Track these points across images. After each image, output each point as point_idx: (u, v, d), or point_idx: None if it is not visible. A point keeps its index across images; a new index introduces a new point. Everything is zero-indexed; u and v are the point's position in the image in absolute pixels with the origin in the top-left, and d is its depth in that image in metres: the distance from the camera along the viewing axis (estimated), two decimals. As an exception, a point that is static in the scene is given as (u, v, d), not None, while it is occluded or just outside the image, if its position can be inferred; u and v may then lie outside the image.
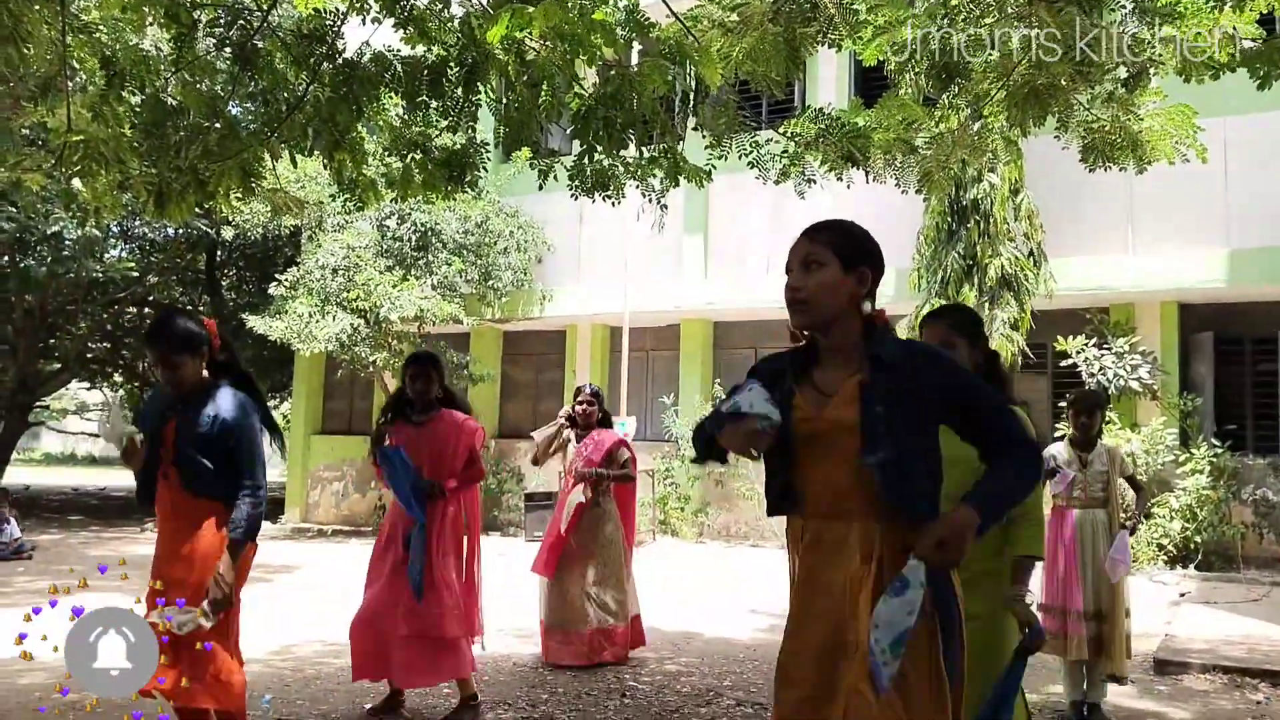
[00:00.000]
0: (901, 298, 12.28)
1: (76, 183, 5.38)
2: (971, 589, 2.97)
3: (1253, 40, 4.50)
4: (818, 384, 2.39)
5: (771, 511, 2.47)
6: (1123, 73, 5.09)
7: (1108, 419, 11.57)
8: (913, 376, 2.30)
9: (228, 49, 5.19)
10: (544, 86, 4.79)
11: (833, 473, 2.32)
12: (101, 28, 5.48)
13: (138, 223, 18.80)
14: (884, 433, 2.24)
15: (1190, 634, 7.27)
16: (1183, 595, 9.39)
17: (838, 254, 2.37)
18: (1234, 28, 4.36)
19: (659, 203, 5.90)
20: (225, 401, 3.65)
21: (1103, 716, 5.16)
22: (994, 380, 3.22)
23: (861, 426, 2.26)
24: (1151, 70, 5.04)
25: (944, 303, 11.44)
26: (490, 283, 14.83)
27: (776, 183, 5.95)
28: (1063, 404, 6.06)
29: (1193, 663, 6.31)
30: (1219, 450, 11.32)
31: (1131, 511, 5.58)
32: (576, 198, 5.80)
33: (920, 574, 2.17)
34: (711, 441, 2.43)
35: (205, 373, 3.70)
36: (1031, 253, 11.69)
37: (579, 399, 6.58)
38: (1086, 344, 11.85)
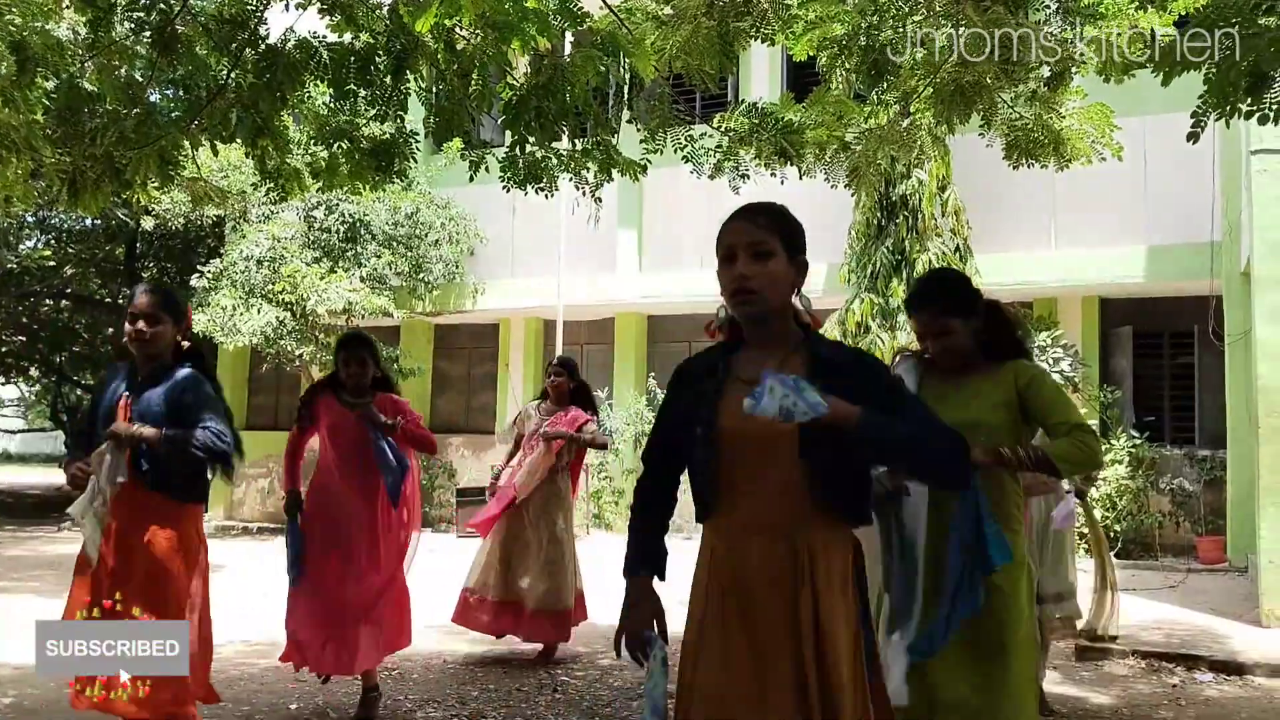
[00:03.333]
0: (832, 292, 12.41)
1: (-14, 170, 5.17)
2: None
3: (1165, 40, 4.62)
4: (744, 376, 2.27)
5: (701, 517, 2.38)
6: (1046, 71, 5.19)
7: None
8: (850, 377, 2.23)
9: (146, 33, 5.02)
10: (475, 76, 4.72)
11: (763, 474, 2.24)
12: (14, 9, 5.27)
13: (55, 213, 18.21)
14: (822, 434, 2.14)
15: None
16: (1103, 582, 9.63)
17: (783, 241, 2.26)
18: (1151, 29, 4.46)
19: (593, 196, 5.86)
20: (188, 376, 3.56)
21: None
22: (1000, 341, 3.18)
23: (801, 427, 2.13)
24: (1073, 69, 5.14)
25: (872, 298, 11.56)
26: (421, 275, 14.63)
27: (711, 177, 5.94)
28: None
29: (1113, 648, 6.48)
30: (1138, 441, 11.65)
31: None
32: (509, 190, 5.73)
33: (784, 379, 2.08)
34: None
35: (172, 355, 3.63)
36: (958, 248, 11.89)
37: (548, 370, 6.54)
38: (1011, 338, 12.09)
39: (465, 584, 6.33)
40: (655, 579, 2.40)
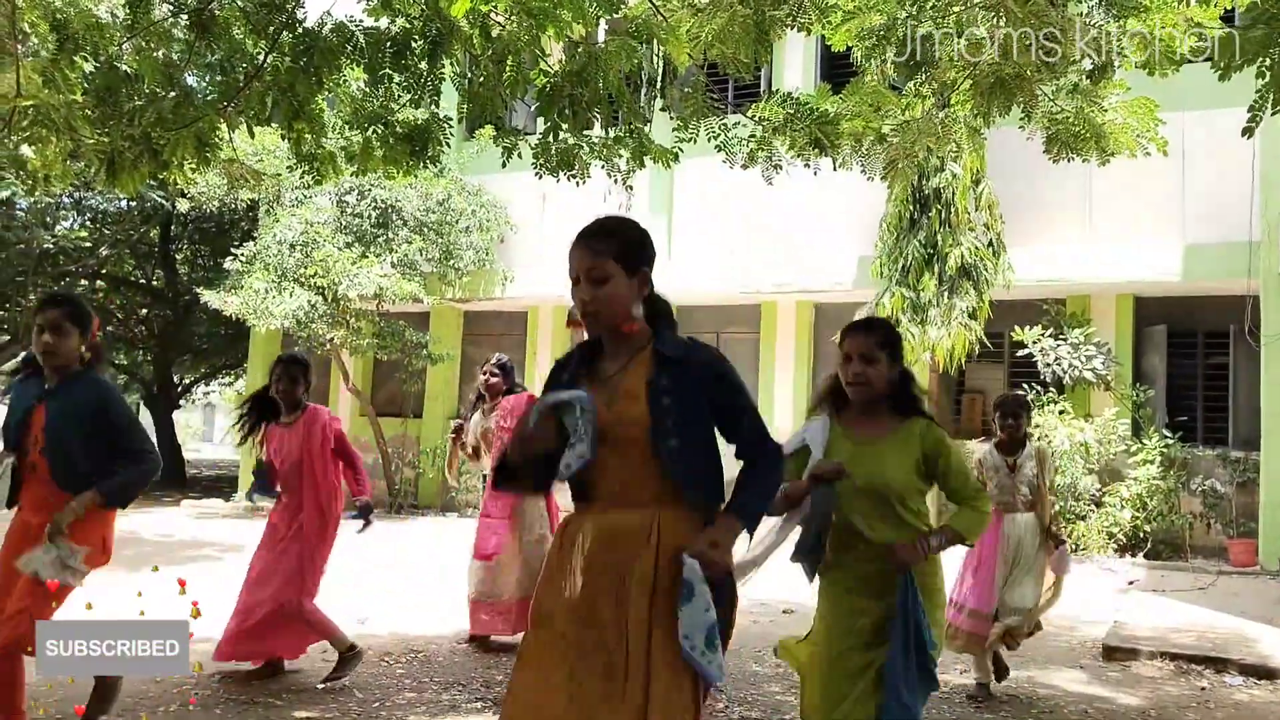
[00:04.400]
0: (863, 284, 12.34)
1: (26, 149, 5.23)
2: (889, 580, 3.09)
3: (1214, 34, 4.54)
4: (605, 380, 2.52)
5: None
6: (1087, 64, 5.12)
7: (1062, 409, 11.74)
8: (692, 373, 2.46)
9: (184, 16, 5.05)
10: (509, 62, 4.72)
11: (621, 463, 2.45)
12: (54, -10, 5.32)
13: (91, 194, 18.41)
14: (671, 425, 2.41)
15: (1139, 621, 7.39)
16: (1131, 583, 9.55)
17: (620, 262, 2.47)
18: (1198, 21, 4.39)
19: (626, 184, 5.85)
20: (100, 382, 3.66)
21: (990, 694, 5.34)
22: (906, 396, 3.31)
23: (650, 418, 2.42)
24: (1115, 63, 5.06)
25: (904, 291, 11.51)
26: (451, 262, 14.66)
27: (744, 167, 5.91)
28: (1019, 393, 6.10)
29: (1141, 649, 6.42)
30: (1169, 441, 11.50)
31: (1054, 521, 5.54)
32: (541, 177, 5.73)
33: (698, 571, 2.33)
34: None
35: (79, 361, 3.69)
36: (991, 243, 11.78)
37: (483, 369, 6.48)
38: (1043, 334, 11.99)
39: (470, 595, 6.20)
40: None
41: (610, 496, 2.48)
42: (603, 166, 5.81)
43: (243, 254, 14.60)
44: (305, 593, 5.18)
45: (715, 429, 2.50)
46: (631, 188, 5.97)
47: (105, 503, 3.59)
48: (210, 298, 14.78)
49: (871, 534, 3.14)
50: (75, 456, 3.53)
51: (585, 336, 2.65)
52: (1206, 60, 3.86)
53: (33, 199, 14.47)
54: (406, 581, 8.67)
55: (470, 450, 6.48)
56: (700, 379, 2.47)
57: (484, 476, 6.54)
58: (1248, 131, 3.89)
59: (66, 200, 18.32)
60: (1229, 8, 4.39)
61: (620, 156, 5.74)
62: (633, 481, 2.46)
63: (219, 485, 19.52)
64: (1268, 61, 3.73)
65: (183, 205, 16.22)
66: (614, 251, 2.48)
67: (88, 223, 19.64)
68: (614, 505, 2.48)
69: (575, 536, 2.51)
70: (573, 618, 2.43)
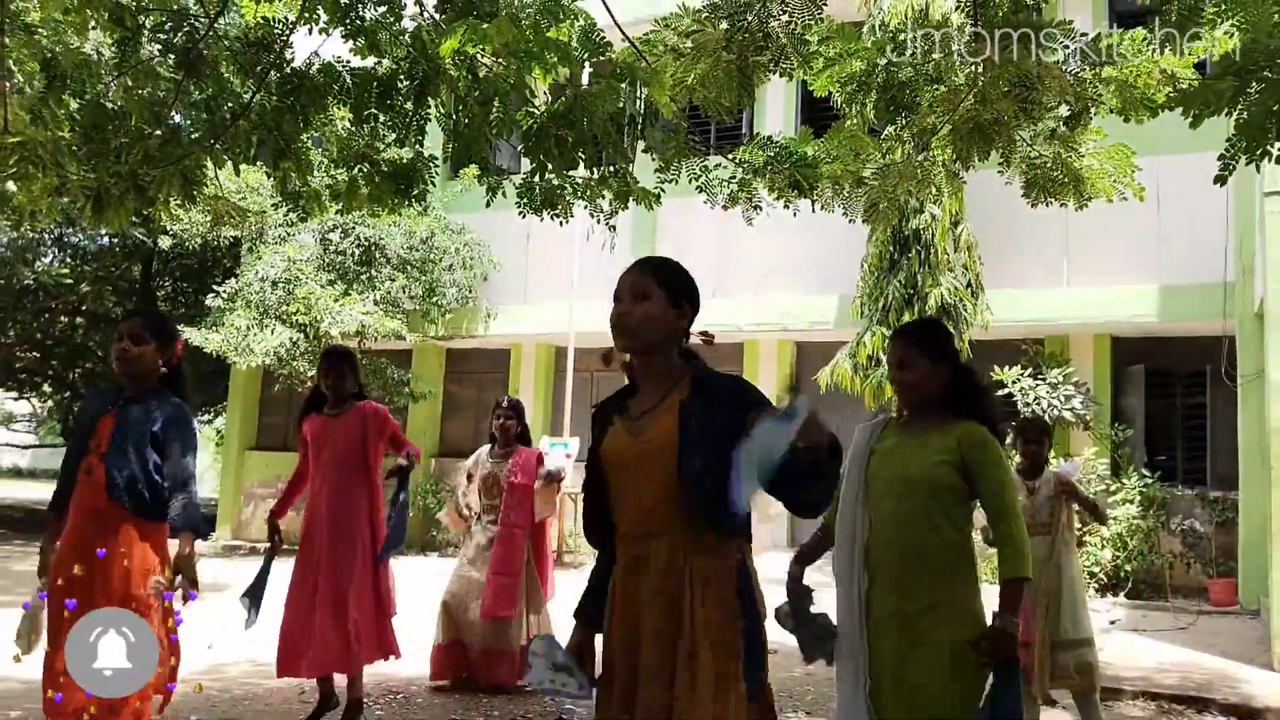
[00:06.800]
0: (844, 324, 12.41)
1: (11, 185, 5.23)
2: (924, 617, 3.00)
3: (1187, 83, 4.64)
4: (633, 411, 2.56)
5: (592, 543, 2.66)
6: (1064, 110, 5.21)
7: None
8: (725, 401, 2.46)
9: (172, 55, 5.09)
10: (495, 103, 4.77)
11: (643, 492, 2.46)
12: (42, 29, 5.35)
13: (72, 230, 18.36)
14: (698, 445, 2.40)
15: (1122, 661, 7.40)
16: (1112, 623, 9.56)
17: (665, 289, 2.53)
18: (1173, 71, 4.49)
19: (608, 224, 5.89)
20: (175, 405, 3.70)
21: None
22: (963, 397, 3.19)
23: (679, 437, 2.42)
24: (1092, 109, 5.15)
25: (884, 331, 11.59)
26: (434, 299, 14.67)
27: (725, 207, 5.97)
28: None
29: (1124, 690, 6.42)
30: (1149, 481, 11.57)
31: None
32: (525, 215, 5.78)
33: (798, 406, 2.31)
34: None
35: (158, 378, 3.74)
36: (970, 283, 11.88)
37: (496, 412, 6.46)
38: (1022, 374, 12.07)
39: (474, 645, 6.12)
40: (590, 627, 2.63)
41: (637, 523, 2.48)
42: (586, 206, 5.86)
43: (224, 291, 14.56)
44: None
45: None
46: (614, 227, 6.02)
47: (195, 535, 3.68)
48: (191, 334, 14.70)
49: (899, 536, 3.08)
50: (133, 468, 3.55)
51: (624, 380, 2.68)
52: (1180, 108, 3.93)
53: (14, 235, 14.41)
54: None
55: (464, 521, 6.48)
56: (733, 404, 2.45)
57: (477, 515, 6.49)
58: (1220, 180, 3.96)
59: (48, 237, 18.26)
60: (1201, 57, 4.49)
61: (604, 197, 5.79)
62: (657, 506, 2.45)
63: (196, 524, 19.27)
64: (1239, 112, 3.82)
65: (165, 242, 16.19)
66: (661, 278, 2.55)
67: (69, 259, 19.57)
68: (640, 533, 2.47)
69: (618, 574, 2.53)
70: (625, 664, 2.46)
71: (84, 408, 3.83)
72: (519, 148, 5.25)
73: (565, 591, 6.40)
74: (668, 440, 2.43)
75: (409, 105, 5.08)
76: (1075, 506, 5.30)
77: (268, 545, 5.22)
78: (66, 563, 3.56)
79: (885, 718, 3.00)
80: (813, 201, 6.00)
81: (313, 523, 5.11)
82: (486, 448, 6.47)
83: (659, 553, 2.43)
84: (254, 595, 5.02)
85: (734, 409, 2.43)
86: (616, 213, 5.94)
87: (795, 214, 6.20)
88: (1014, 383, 12.00)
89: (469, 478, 6.50)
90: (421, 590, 9.96)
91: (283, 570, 5.10)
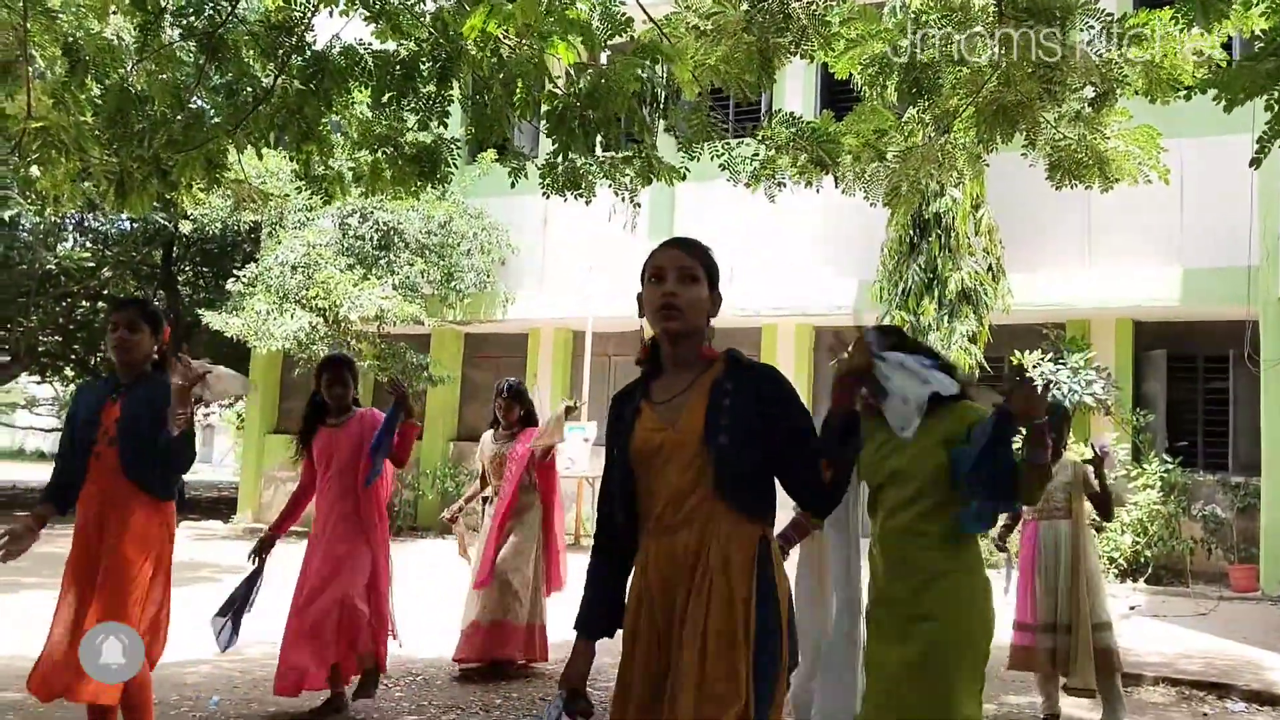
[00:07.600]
0: (863, 308, 12.36)
1: (34, 170, 5.25)
2: (927, 589, 3.02)
3: (1218, 63, 4.58)
4: (660, 395, 2.52)
5: (604, 536, 2.57)
6: (1089, 92, 5.16)
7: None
8: (757, 390, 2.43)
9: (194, 39, 5.09)
10: (518, 84, 4.75)
11: (672, 478, 2.41)
12: (63, 14, 5.36)
13: (93, 215, 18.47)
14: (726, 424, 2.37)
15: (1142, 647, 7.37)
16: (1132, 608, 9.53)
17: (707, 273, 2.53)
18: (1201, 52, 4.43)
19: (632, 201, 5.87)
20: (170, 385, 3.74)
21: None
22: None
23: (706, 415, 2.39)
24: (1117, 91, 5.10)
25: (903, 315, 11.55)
26: (452, 284, 14.71)
27: (748, 186, 5.94)
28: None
29: (1145, 675, 6.40)
30: (1170, 466, 11.51)
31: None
32: (548, 196, 5.77)
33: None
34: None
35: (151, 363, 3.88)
36: (991, 267, 11.83)
37: (497, 399, 6.38)
38: (1042, 359, 12.01)
39: (475, 619, 6.05)
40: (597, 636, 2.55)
41: (664, 510, 2.43)
42: (609, 185, 5.83)
43: (245, 276, 14.63)
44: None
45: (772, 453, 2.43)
46: (639, 205, 5.98)
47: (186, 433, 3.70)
48: (212, 319, 14.80)
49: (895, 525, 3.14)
50: (145, 446, 3.68)
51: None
52: (1213, 90, 3.86)
53: (37, 220, 14.49)
54: (404, 604, 8.62)
55: (464, 544, 6.48)
56: (765, 392, 2.44)
57: (483, 498, 6.51)
58: (1255, 162, 3.89)
59: (69, 222, 18.37)
60: (1230, 35, 4.43)
61: (627, 175, 5.77)
62: (684, 490, 2.40)
63: (218, 507, 19.45)
64: (1277, 94, 3.74)
65: (186, 227, 16.27)
66: (704, 262, 2.54)
67: (90, 244, 19.68)
68: (668, 520, 2.42)
69: (641, 566, 2.49)
70: (646, 647, 2.43)
71: (80, 401, 3.94)
72: (541, 128, 5.23)
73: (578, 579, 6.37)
74: (696, 420, 2.41)
75: (431, 87, 5.07)
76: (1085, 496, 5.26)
77: (254, 567, 5.11)
78: (86, 554, 3.74)
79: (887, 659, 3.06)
80: (836, 179, 5.95)
81: (319, 536, 5.14)
82: (490, 432, 6.44)
83: (689, 540, 2.39)
84: (234, 614, 4.94)
85: (765, 402, 2.42)
86: (639, 190, 5.91)
87: (818, 191, 6.14)
88: (1034, 367, 11.94)
89: (481, 470, 6.48)
90: (441, 573, 10.02)
91: (281, 571, 5.15)
